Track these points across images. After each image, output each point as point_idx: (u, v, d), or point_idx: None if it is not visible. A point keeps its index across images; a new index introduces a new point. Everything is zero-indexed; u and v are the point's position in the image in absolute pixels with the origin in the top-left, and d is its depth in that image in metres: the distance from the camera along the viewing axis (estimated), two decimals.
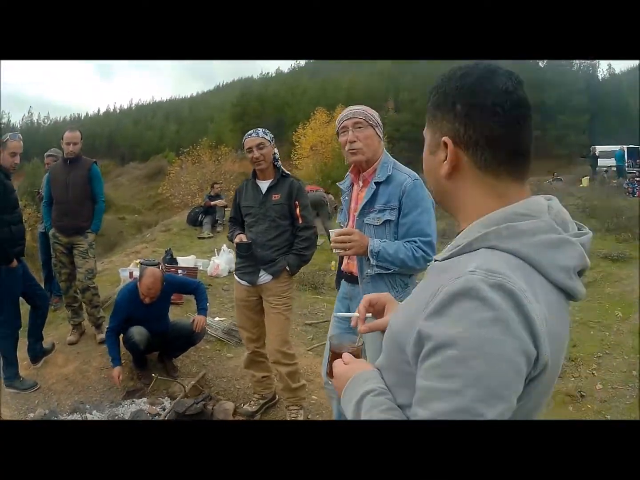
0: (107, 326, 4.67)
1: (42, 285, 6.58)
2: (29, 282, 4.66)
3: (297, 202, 3.64)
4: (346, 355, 1.23)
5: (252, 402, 4.13)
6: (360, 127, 2.64)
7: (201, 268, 7.47)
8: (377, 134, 2.70)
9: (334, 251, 2.60)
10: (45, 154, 6.34)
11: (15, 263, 4.32)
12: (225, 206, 11.26)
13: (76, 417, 3.85)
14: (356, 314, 1.36)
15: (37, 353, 4.90)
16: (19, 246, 4.40)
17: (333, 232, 2.56)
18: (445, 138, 0.99)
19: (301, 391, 3.95)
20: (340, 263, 2.98)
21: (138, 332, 4.47)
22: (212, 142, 35.95)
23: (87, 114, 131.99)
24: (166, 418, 3.78)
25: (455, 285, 0.87)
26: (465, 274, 0.87)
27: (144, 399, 4.37)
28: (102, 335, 5.08)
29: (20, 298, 4.69)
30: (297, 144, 34.22)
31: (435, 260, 1.05)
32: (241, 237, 3.64)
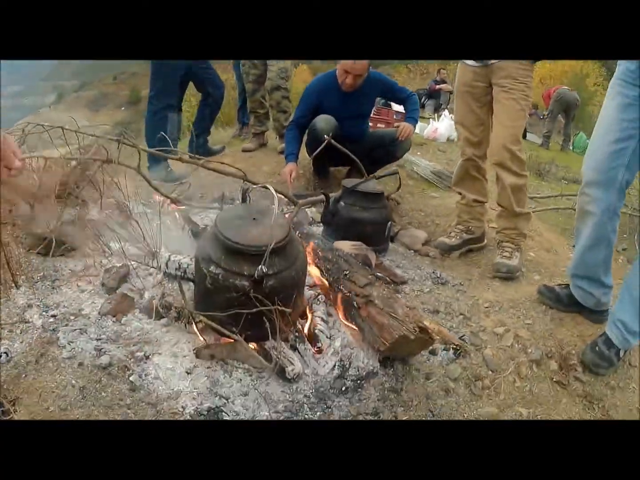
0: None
1: (235, 114, 6.14)
2: (200, 63, 4.00)
3: None
4: None
5: (452, 234, 3.18)
6: None
7: (417, 132, 6.54)
8: None
9: None
10: None
11: None
12: (451, 92, 10.66)
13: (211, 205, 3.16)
14: None
15: (199, 150, 4.07)
16: None
17: None
18: None
19: (524, 223, 2.92)
20: None
21: (324, 119, 3.53)
22: None
23: None
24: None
25: None
26: None
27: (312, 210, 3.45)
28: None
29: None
30: None
31: None
32: None
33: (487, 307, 2.51)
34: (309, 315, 2.05)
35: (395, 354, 1.95)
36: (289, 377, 1.74)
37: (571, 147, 7.92)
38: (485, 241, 3.21)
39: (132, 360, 1.84)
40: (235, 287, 1.66)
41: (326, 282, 2.21)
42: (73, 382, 1.79)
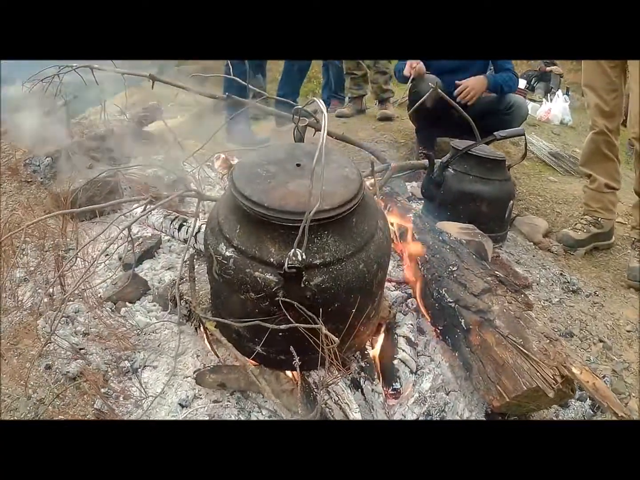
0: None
1: (321, 91, 5.42)
2: None
3: None
4: None
5: (577, 226, 2.67)
6: None
7: (530, 113, 5.56)
8: None
9: None
10: None
11: None
12: (561, 75, 10.88)
13: None
14: None
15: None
16: None
17: None
18: None
19: None
20: None
21: (428, 77, 2.78)
22: None
23: None
24: None
25: None
26: None
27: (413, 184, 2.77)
28: (386, 111, 3.83)
29: None
30: None
31: None
32: None
33: (628, 331, 2.04)
34: (389, 334, 1.33)
35: (515, 410, 1.19)
36: None
37: None
38: (614, 238, 2.71)
39: (114, 371, 1.25)
40: (255, 283, 0.96)
41: (420, 281, 1.49)
42: (31, 391, 1.26)
